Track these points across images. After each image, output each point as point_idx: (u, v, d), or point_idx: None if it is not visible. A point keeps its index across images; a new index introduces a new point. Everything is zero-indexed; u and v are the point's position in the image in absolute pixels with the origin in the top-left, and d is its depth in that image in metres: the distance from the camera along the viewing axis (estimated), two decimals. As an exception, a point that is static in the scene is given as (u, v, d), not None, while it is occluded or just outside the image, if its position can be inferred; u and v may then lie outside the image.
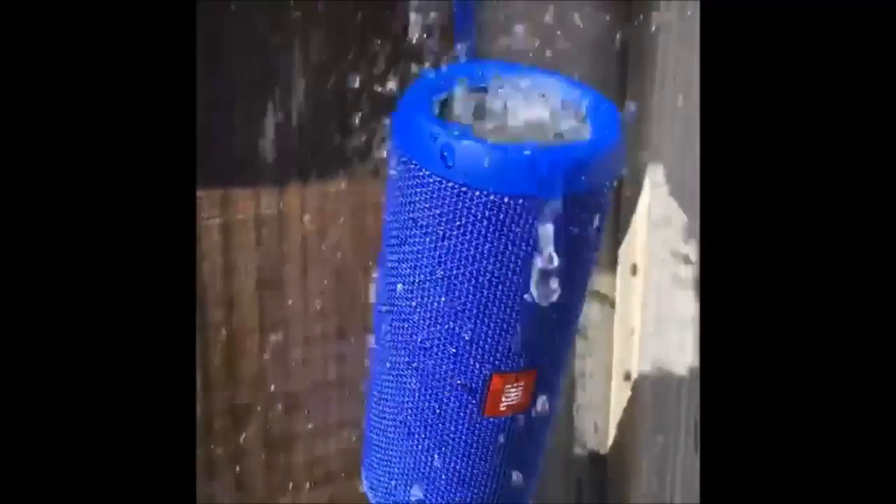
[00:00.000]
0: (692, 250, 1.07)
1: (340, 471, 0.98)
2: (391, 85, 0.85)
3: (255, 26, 0.83)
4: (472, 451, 0.75)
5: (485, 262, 0.67)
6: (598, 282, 1.10)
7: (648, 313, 1.09)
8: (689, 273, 1.07)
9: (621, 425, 1.15)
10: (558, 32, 0.91)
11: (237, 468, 0.93)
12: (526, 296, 0.68)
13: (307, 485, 0.97)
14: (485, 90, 0.72)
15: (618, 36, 1.01)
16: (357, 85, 0.87)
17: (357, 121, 0.87)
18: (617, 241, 1.09)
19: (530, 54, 0.87)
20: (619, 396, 1.14)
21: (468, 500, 0.77)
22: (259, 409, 0.92)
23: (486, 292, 0.68)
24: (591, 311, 1.10)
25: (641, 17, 1.00)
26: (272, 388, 0.92)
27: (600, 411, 1.15)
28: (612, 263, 1.10)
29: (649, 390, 1.12)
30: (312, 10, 0.85)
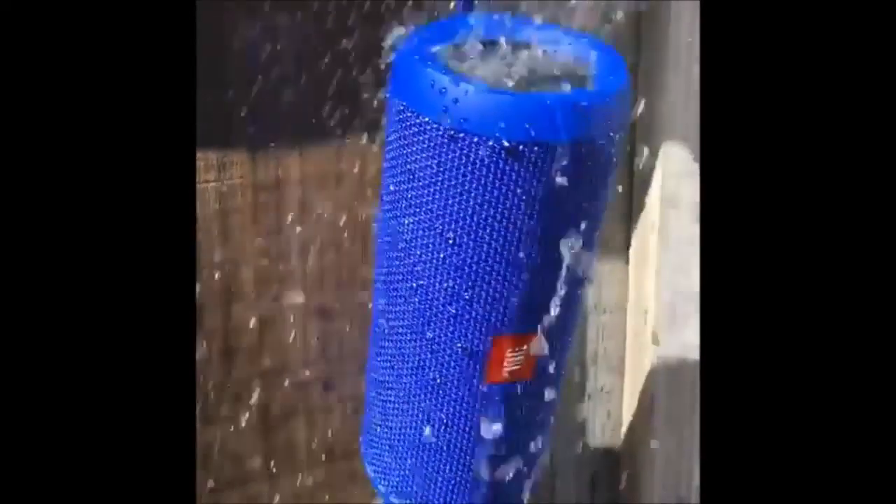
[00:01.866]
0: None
1: (339, 446, 0.97)
2: (389, 49, 0.84)
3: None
4: (475, 421, 0.72)
5: (485, 213, 0.65)
6: (612, 265, 1.08)
7: (663, 296, 1.07)
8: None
9: (635, 415, 1.13)
10: (569, 4, 0.90)
11: (236, 441, 0.92)
12: (529, 251, 0.66)
13: (306, 461, 0.96)
14: (486, 41, 0.70)
15: (630, 8, 0.99)
16: (356, 49, 0.86)
17: (355, 85, 0.86)
18: (630, 223, 1.07)
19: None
20: (633, 385, 1.12)
21: (469, 474, 0.74)
22: (257, 380, 0.92)
23: (486, 247, 0.66)
24: (602, 296, 1.08)
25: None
26: (269, 358, 0.92)
27: (613, 400, 1.13)
28: (626, 245, 1.09)
29: (663, 378, 1.09)
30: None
